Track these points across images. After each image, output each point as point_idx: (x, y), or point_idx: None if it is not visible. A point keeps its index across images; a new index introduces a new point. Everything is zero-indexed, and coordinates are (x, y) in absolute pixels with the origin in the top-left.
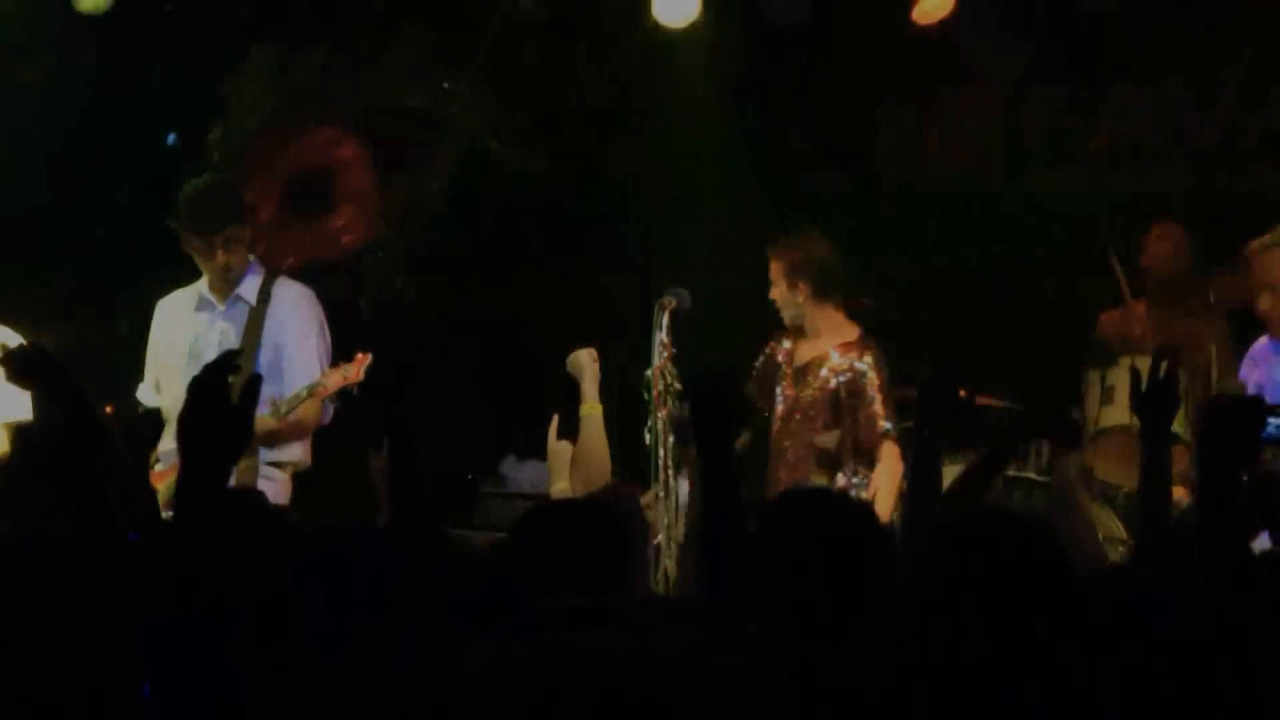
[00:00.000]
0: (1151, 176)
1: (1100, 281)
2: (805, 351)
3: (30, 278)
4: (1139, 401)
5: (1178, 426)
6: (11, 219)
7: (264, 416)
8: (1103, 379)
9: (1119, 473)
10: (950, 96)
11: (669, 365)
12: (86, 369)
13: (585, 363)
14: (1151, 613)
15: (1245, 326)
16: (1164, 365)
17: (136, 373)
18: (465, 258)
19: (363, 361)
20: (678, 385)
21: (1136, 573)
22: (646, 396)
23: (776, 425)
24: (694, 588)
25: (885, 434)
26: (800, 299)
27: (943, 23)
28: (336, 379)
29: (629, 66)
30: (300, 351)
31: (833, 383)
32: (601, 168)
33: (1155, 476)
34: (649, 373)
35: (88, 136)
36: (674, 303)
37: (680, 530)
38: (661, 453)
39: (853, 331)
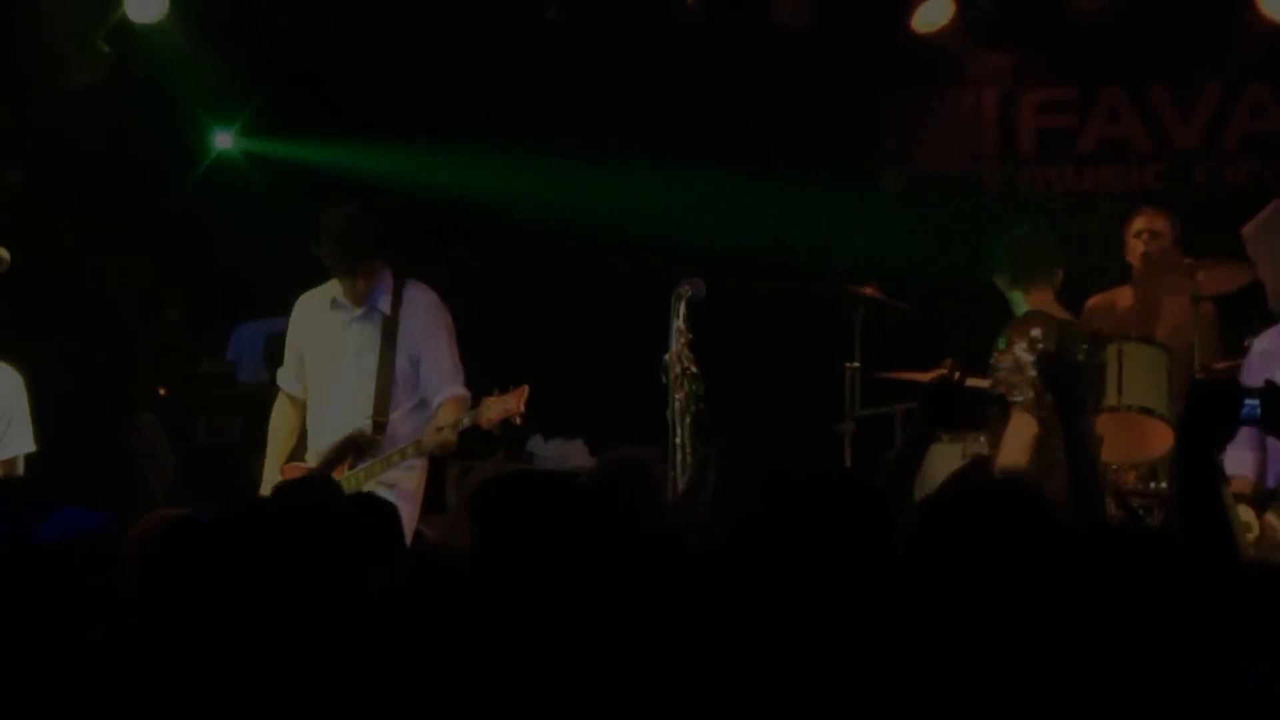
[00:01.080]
0: (1136, 173)
1: (1088, 270)
2: None
3: (78, 273)
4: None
5: (1162, 408)
6: (61, 216)
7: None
8: None
9: (1106, 449)
10: (949, 97)
11: (685, 350)
12: (140, 355)
13: None
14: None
15: (1230, 313)
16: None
17: (183, 356)
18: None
19: (522, 394)
20: (693, 369)
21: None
22: (665, 379)
23: None
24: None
25: (1011, 404)
26: (1003, 289)
27: (941, 29)
28: (499, 410)
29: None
30: (438, 361)
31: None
32: (623, 165)
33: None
34: (667, 357)
35: (139, 138)
36: (690, 291)
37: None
38: (679, 430)
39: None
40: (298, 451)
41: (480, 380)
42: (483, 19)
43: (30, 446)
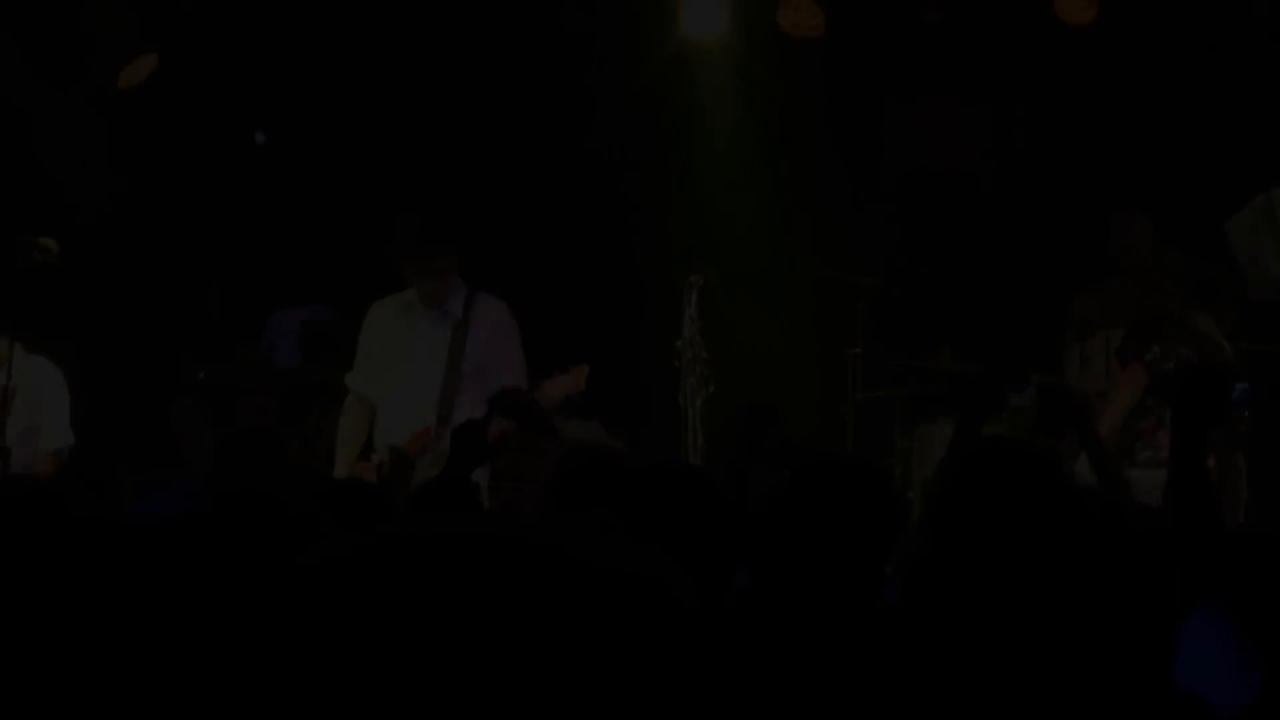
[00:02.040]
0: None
1: (1078, 262)
2: None
3: (124, 263)
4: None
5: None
6: (108, 210)
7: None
8: (1081, 350)
9: None
10: (949, 97)
11: (697, 336)
12: (181, 341)
13: None
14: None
15: None
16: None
17: (222, 342)
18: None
19: (581, 372)
20: (705, 354)
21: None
22: (678, 364)
23: None
24: None
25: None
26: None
27: (941, 36)
28: (560, 389)
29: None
30: (504, 364)
31: None
32: (644, 162)
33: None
34: (679, 343)
35: (179, 133)
36: (702, 280)
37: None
38: (691, 413)
39: None
40: (365, 451)
41: None
42: (504, 21)
43: (70, 439)
